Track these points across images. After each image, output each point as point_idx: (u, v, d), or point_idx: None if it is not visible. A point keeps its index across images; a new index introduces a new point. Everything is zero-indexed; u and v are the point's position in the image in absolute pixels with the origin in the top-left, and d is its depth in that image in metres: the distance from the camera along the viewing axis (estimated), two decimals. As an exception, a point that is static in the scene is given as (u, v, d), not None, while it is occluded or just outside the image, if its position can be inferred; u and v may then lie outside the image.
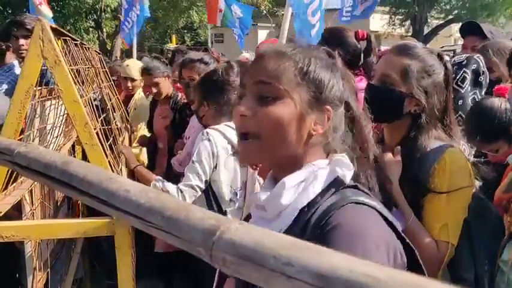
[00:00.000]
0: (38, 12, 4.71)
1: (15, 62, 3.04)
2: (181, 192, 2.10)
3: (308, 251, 0.39)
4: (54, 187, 0.67)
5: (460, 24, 3.34)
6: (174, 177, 2.67)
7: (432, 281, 0.34)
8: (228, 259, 0.43)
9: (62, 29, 1.42)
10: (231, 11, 6.25)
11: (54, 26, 1.26)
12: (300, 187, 0.88)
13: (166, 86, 3.29)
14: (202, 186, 2.14)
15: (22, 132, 1.46)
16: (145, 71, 3.29)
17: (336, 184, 0.87)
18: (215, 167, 2.15)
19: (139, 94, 3.77)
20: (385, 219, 0.84)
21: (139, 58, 5.27)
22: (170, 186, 2.14)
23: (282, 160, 0.92)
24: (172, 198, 0.53)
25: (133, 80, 3.72)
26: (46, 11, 5.12)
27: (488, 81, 2.09)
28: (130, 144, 3.12)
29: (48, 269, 1.72)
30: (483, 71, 2.02)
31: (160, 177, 2.29)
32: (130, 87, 3.73)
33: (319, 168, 0.89)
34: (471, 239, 1.47)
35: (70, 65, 1.33)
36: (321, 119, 0.90)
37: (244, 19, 6.33)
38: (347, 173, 0.88)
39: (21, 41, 2.91)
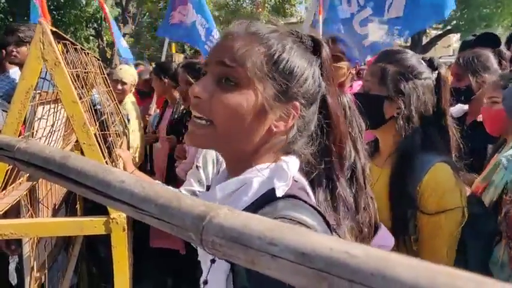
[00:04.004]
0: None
1: (15, 69, 3.09)
2: None
3: (290, 232, 0.41)
4: (52, 180, 0.69)
5: (458, 34, 3.34)
6: (174, 180, 2.71)
7: (403, 257, 0.36)
8: (217, 242, 0.45)
9: (62, 33, 1.45)
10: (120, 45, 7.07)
11: (54, 29, 1.29)
12: (232, 196, 0.80)
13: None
14: (204, 191, 2.17)
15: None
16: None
17: (269, 195, 0.77)
18: (217, 172, 2.18)
19: (129, 98, 3.78)
20: None
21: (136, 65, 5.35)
22: None
23: (232, 152, 0.84)
24: (164, 188, 0.56)
25: (123, 83, 3.73)
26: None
27: None
28: (128, 148, 3.13)
29: (46, 271, 1.73)
30: None
31: (160, 182, 2.31)
32: (120, 90, 3.71)
33: (256, 176, 0.79)
34: (465, 247, 1.48)
35: (69, 68, 1.36)
36: (286, 115, 0.81)
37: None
38: (281, 186, 0.77)
39: (12, 48, 2.95)
